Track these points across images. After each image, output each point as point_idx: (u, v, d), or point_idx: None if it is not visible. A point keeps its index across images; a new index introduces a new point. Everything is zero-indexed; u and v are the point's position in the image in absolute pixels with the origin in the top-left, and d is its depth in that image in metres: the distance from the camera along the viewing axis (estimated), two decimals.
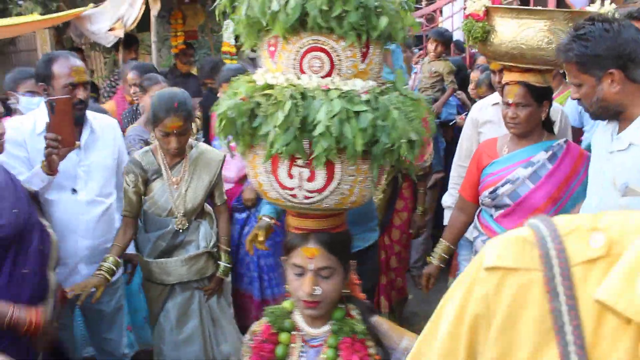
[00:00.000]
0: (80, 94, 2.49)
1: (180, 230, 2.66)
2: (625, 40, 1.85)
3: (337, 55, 1.42)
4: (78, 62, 2.52)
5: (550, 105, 2.46)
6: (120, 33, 5.09)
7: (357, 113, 1.38)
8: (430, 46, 4.69)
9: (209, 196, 2.78)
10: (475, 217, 2.73)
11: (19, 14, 7.83)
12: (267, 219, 2.67)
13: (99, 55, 8.18)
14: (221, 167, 2.77)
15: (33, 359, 2.15)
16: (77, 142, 2.38)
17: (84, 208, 2.58)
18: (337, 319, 1.58)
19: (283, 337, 1.61)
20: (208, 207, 2.86)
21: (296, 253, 1.53)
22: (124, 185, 2.62)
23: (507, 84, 2.48)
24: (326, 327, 1.59)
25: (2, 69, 10.13)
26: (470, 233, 2.87)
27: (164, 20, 6.45)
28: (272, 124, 1.37)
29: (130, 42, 5.40)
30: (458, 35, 6.45)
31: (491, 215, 2.59)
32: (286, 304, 1.66)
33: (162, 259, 2.64)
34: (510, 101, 2.44)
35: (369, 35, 1.44)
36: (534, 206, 2.44)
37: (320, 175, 1.43)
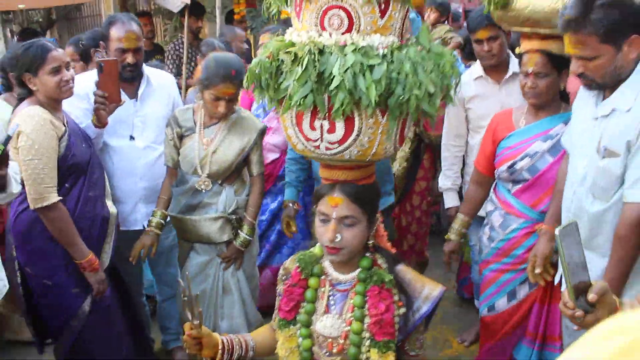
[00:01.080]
0: (129, 58, 2.71)
1: (203, 191, 2.68)
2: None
3: (355, 12, 1.48)
4: (133, 28, 2.72)
5: (568, 74, 2.33)
6: None
7: (373, 66, 1.44)
8: (426, 14, 5.10)
9: (246, 165, 2.79)
10: (492, 190, 2.67)
11: None
12: (291, 205, 2.98)
13: (160, 21, 8.47)
14: (259, 136, 2.74)
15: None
16: (122, 100, 2.59)
17: (140, 153, 2.85)
18: (364, 267, 1.67)
19: (312, 282, 1.72)
20: (247, 177, 2.86)
21: (323, 201, 1.64)
22: (165, 137, 2.76)
23: (525, 52, 2.38)
24: (354, 274, 1.69)
25: (69, 34, 10.67)
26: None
27: None
28: (291, 78, 1.46)
29: (198, 9, 5.57)
30: None
31: (509, 190, 2.53)
32: (316, 250, 1.77)
33: (180, 215, 2.70)
34: (530, 70, 2.34)
35: None
36: (553, 180, 2.37)
37: (340, 127, 1.51)
